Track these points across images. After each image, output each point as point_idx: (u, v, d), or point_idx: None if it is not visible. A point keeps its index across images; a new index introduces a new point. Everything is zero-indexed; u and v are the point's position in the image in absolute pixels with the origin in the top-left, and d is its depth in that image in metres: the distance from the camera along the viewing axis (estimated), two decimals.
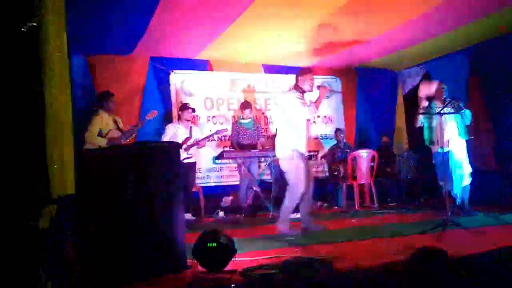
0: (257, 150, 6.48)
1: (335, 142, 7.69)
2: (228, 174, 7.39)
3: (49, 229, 2.33)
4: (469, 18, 5.77)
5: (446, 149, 5.29)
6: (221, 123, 7.44)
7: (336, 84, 8.26)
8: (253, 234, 4.57)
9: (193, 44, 6.56)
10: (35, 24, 2.75)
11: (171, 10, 5.15)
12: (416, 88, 8.12)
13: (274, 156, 6.35)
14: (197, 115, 7.20)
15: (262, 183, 6.65)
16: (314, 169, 7.38)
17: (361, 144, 7.97)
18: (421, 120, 5.51)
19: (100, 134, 5.34)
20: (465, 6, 5.34)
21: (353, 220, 5.41)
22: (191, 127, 6.36)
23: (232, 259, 2.82)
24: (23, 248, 2.20)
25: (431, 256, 2.31)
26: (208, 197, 6.82)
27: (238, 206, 6.45)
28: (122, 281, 2.58)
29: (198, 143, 6.26)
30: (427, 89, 5.48)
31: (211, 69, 7.53)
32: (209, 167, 7.31)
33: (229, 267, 2.80)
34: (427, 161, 5.95)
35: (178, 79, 7.29)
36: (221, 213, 6.55)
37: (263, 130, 7.31)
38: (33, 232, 2.24)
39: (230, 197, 7.10)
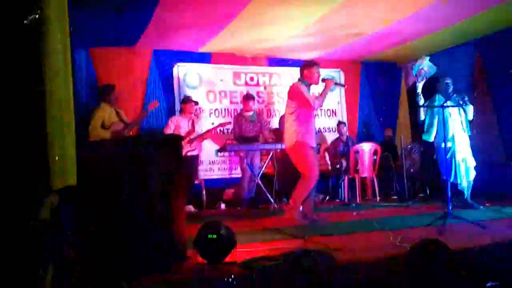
0: (260, 143, 6.49)
1: (338, 135, 7.68)
2: (230, 167, 7.40)
3: (49, 221, 2.34)
4: (474, 10, 5.72)
5: (450, 145, 5.27)
6: (224, 116, 7.44)
7: (340, 77, 8.24)
8: (254, 226, 4.58)
9: (197, 36, 6.55)
10: (37, 16, 2.75)
11: (174, 2, 5.14)
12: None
13: (276, 149, 6.39)
14: (200, 108, 7.20)
15: (264, 176, 6.66)
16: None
17: (363, 137, 7.97)
18: (426, 115, 5.46)
19: (103, 127, 5.35)
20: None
21: (354, 213, 5.41)
22: (193, 120, 6.37)
23: (233, 250, 2.83)
24: (22, 244, 2.21)
25: (431, 249, 2.32)
26: (210, 190, 6.86)
27: (240, 199, 6.48)
28: (123, 270, 2.60)
29: (201, 136, 6.26)
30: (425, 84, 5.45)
31: (214, 62, 7.53)
32: (211, 159, 7.33)
33: (229, 258, 2.81)
34: (430, 155, 5.95)
35: (181, 71, 7.29)
36: (223, 206, 6.58)
37: (266, 123, 7.31)
38: (33, 227, 2.25)
39: (232, 190, 7.13)
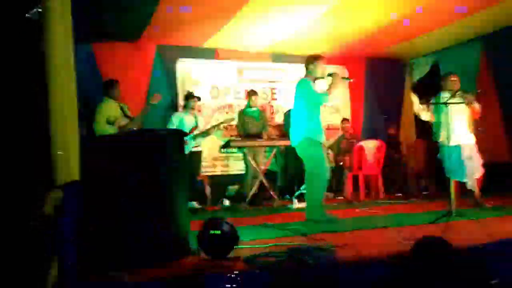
0: (263, 140, 6.47)
1: (342, 132, 7.66)
2: (233, 163, 7.40)
3: (53, 216, 2.34)
4: (481, 5, 5.67)
5: (455, 143, 5.23)
6: (227, 112, 7.43)
7: (344, 73, 8.21)
8: (257, 222, 4.58)
9: (200, 32, 6.54)
10: (39, 10, 2.74)
11: None
12: (425, 78, 8.09)
13: (280, 145, 6.38)
14: (202, 104, 7.19)
15: (268, 173, 6.66)
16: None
17: (367, 134, 7.94)
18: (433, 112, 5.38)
19: (108, 122, 5.35)
20: None
21: (357, 210, 5.40)
22: (197, 116, 6.36)
23: (236, 246, 2.83)
24: (27, 237, 2.21)
25: (433, 247, 2.31)
26: (213, 186, 6.86)
27: (243, 195, 6.47)
28: (123, 262, 2.60)
29: (206, 132, 6.26)
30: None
31: (218, 58, 7.51)
32: (215, 156, 7.32)
33: (232, 254, 2.81)
34: (435, 152, 5.91)
35: (184, 67, 7.27)
36: (226, 202, 6.57)
37: (269, 120, 7.30)
38: (33, 226, 2.25)
39: (236, 186, 7.13)
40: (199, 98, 6.50)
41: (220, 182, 7.19)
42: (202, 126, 6.37)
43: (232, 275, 2.43)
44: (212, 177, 7.06)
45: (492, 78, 6.83)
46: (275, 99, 7.87)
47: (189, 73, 7.31)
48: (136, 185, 2.92)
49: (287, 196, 6.62)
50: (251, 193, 6.25)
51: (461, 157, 5.21)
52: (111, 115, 5.37)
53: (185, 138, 5.42)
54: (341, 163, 7.20)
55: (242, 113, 6.83)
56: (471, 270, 2.40)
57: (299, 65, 7.81)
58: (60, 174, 2.58)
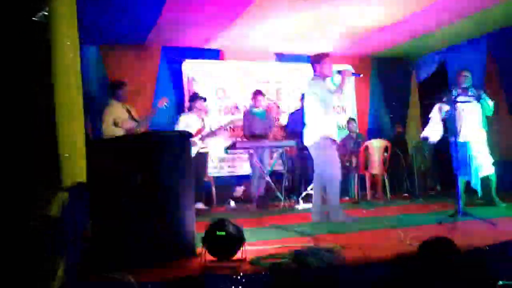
0: (269, 141, 6.47)
1: (348, 132, 7.64)
2: (240, 164, 7.40)
3: (60, 217, 2.36)
4: (487, 3, 5.63)
5: (464, 140, 5.20)
6: (233, 113, 7.44)
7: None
8: (264, 224, 4.58)
9: (205, 33, 6.56)
10: (46, 13, 2.76)
11: None
12: (431, 77, 8.05)
13: (286, 146, 6.37)
14: (207, 105, 7.19)
15: (274, 173, 6.65)
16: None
17: (374, 134, 7.91)
18: (443, 112, 5.34)
19: (115, 124, 5.37)
20: None
21: (364, 211, 5.38)
22: (203, 117, 6.37)
23: (241, 248, 2.83)
24: (32, 236, 2.23)
25: (439, 247, 2.29)
26: (219, 187, 6.87)
27: (250, 196, 6.47)
28: (129, 268, 2.61)
29: (213, 133, 6.27)
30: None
31: (223, 58, 7.52)
32: (221, 157, 7.34)
33: (238, 256, 2.81)
34: (442, 151, 5.87)
35: (190, 68, 7.29)
36: (232, 203, 6.58)
37: (275, 120, 7.30)
38: (42, 221, 2.27)
39: (242, 187, 7.13)
40: (204, 99, 6.51)
41: (226, 183, 7.20)
42: (208, 127, 6.38)
43: (238, 277, 2.44)
44: (218, 178, 7.06)
45: (499, 76, 6.77)
46: (281, 99, 7.85)
47: (194, 74, 7.32)
48: (141, 186, 2.94)
49: (294, 196, 6.61)
50: (257, 194, 6.25)
51: (468, 153, 5.18)
52: (117, 117, 5.39)
53: (192, 139, 5.44)
54: (347, 163, 7.18)
55: (247, 114, 6.83)
56: (476, 270, 2.38)
57: (305, 65, 7.86)
58: (67, 175, 2.60)
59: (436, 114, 5.37)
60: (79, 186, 2.61)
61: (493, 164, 5.29)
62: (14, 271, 2.18)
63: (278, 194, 6.17)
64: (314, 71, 4.66)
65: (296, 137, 6.41)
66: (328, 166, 4.50)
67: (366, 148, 6.79)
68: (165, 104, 5.72)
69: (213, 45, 7.19)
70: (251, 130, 6.63)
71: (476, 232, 3.65)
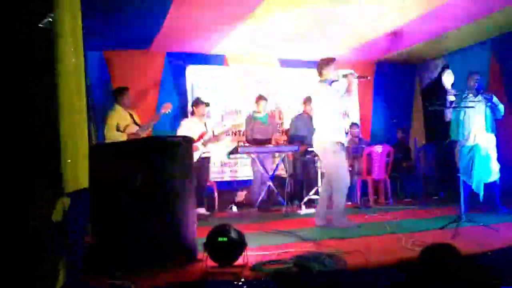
0: (271, 145, 6.48)
1: (350, 137, 7.63)
2: (242, 169, 7.40)
3: (61, 222, 2.37)
4: (492, 8, 5.62)
5: (471, 143, 5.18)
6: (236, 118, 7.45)
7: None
8: (266, 229, 4.58)
9: (209, 38, 6.58)
10: (51, 19, 2.78)
11: (187, 5, 5.16)
12: (435, 82, 8.05)
13: (288, 151, 6.37)
14: (210, 109, 7.22)
15: (276, 178, 6.65)
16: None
17: (377, 139, 7.91)
18: (453, 113, 5.32)
19: (118, 129, 5.40)
20: None
21: (366, 216, 5.37)
22: (205, 122, 6.39)
23: (243, 253, 2.84)
24: (32, 242, 2.24)
25: (441, 253, 2.29)
26: (222, 192, 6.87)
27: (252, 201, 6.47)
28: (130, 273, 2.62)
29: (216, 138, 6.28)
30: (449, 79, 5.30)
31: (227, 64, 7.55)
32: (223, 161, 7.34)
33: (240, 261, 2.81)
34: (445, 156, 5.86)
35: (194, 73, 7.32)
36: (234, 208, 6.58)
37: (277, 125, 7.30)
38: (44, 224, 2.28)
39: (244, 192, 7.14)
40: (207, 104, 6.53)
41: (229, 188, 7.21)
42: (211, 132, 6.39)
43: (239, 283, 2.44)
44: (220, 183, 7.07)
45: (502, 81, 6.76)
46: (283, 105, 7.86)
47: (198, 79, 7.34)
48: (143, 191, 2.95)
49: (296, 201, 6.60)
50: (259, 199, 6.25)
51: (474, 158, 5.17)
52: (120, 122, 5.42)
53: (194, 144, 5.45)
54: (350, 169, 7.17)
55: (250, 119, 6.85)
56: (478, 276, 2.38)
57: (307, 70, 7.89)
58: (69, 180, 2.61)
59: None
60: (81, 191, 2.62)
61: (499, 170, 5.27)
62: (14, 271, 2.19)
63: (280, 199, 6.16)
64: (321, 75, 4.67)
65: (299, 142, 6.42)
66: (336, 171, 4.51)
67: (369, 153, 6.79)
68: (169, 110, 5.75)
69: (216, 51, 7.22)
70: (254, 135, 6.64)
71: (478, 237, 3.65)
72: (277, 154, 6.89)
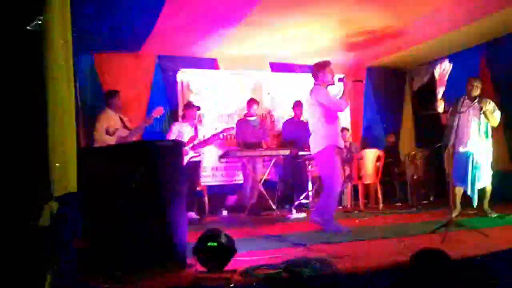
0: (262, 149, 6.47)
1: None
2: (233, 173, 7.38)
3: (50, 227, 2.34)
4: (480, 13, 5.68)
5: (466, 149, 5.22)
6: (227, 122, 7.43)
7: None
8: (256, 233, 4.56)
9: (201, 42, 6.56)
10: (40, 22, 2.76)
11: (178, 8, 5.15)
12: (425, 87, 8.10)
13: (279, 155, 6.37)
14: (202, 114, 7.20)
15: (267, 183, 6.65)
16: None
17: (367, 144, 7.94)
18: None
19: (107, 133, 5.36)
20: (475, 3, 5.27)
21: (357, 221, 5.38)
22: (196, 126, 6.36)
23: (233, 258, 2.82)
24: (23, 247, 2.21)
25: (431, 258, 2.29)
26: (212, 196, 6.84)
27: (242, 205, 6.45)
28: (121, 278, 2.60)
29: (205, 142, 6.25)
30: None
31: (218, 68, 7.53)
32: (214, 165, 7.32)
33: (229, 266, 2.79)
34: (435, 161, 5.90)
35: (185, 77, 7.29)
36: (225, 212, 6.56)
37: (268, 129, 7.30)
38: (33, 231, 2.25)
39: (235, 196, 7.12)
40: (198, 108, 6.51)
41: (219, 192, 7.18)
42: (202, 136, 6.37)
43: None
44: (210, 187, 7.04)
45: (493, 86, 6.82)
46: (275, 109, 7.87)
47: (189, 83, 7.32)
48: (132, 195, 2.92)
49: (286, 206, 6.60)
50: (250, 203, 6.23)
51: (469, 164, 5.20)
52: (110, 125, 5.38)
53: (185, 148, 5.43)
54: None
55: (241, 122, 6.84)
56: (469, 281, 2.39)
57: (299, 75, 7.92)
58: (57, 184, 2.57)
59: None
60: (70, 195, 2.59)
61: (491, 176, 5.30)
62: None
63: (271, 203, 6.15)
64: (316, 79, 4.67)
65: (290, 146, 6.43)
66: (328, 175, 4.51)
67: (360, 157, 6.81)
68: (161, 114, 5.73)
69: (208, 54, 7.20)
70: (245, 139, 6.63)
71: (469, 242, 3.66)
72: (268, 158, 6.88)
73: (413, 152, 7.34)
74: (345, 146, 7.47)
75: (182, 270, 2.88)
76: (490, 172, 5.28)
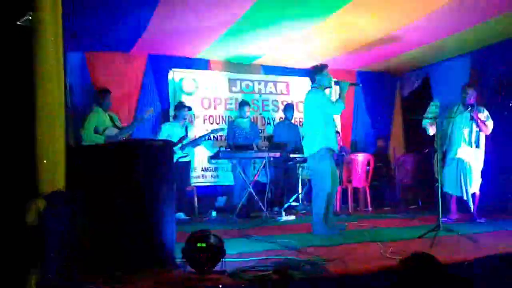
0: (253, 151, 6.46)
1: None
2: (223, 174, 7.36)
3: (36, 225, 2.31)
4: (473, 21, 5.73)
5: (456, 156, 5.25)
6: (218, 123, 7.41)
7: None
8: (245, 235, 4.54)
9: (193, 42, 6.54)
10: (30, 17, 2.73)
11: (171, 8, 5.12)
12: (415, 92, 8.17)
13: (269, 157, 6.36)
14: (193, 114, 7.17)
15: (257, 184, 6.63)
16: (308, 172, 7.38)
17: (357, 148, 7.97)
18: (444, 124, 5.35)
19: (96, 131, 5.31)
20: (467, 10, 5.31)
21: (346, 224, 5.38)
22: (187, 126, 6.34)
23: (222, 259, 2.80)
24: (9, 245, 2.18)
25: (421, 263, 2.30)
26: (202, 197, 6.82)
27: (232, 207, 6.43)
28: (109, 278, 2.56)
29: (193, 142, 6.23)
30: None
31: (210, 69, 7.51)
32: (204, 166, 7.29)
33: (218, 267, 2.77)
34: (424, 166, 5.93)
35: (176, 77, 7.26)
36: (214, 213, 6.52)
37: (259, 131, 7.29)
38: (19, 229, 2.22)
39: (224, 197, 7.10)
40: (189, 108, 6.49)
41: (209, 193, 7.15)
42: (192, 136, 6.34)
43: None
44: (200, 188, 7.01)
45: (480, 93, 6.89)
46: (266, 111, 7.87)
47: (181, 83, 7.28)
48: (121, 194, 2.90)
49: (276, 208, 6.59)
50: (239, 205, 6.21)
51: (460, 170, 5.23)
52: (99, 124, 5.35)
53: (174, 148, 5.39)
54: None
55: (232, 124, 6.82)
56: (458, 286, 2.40)
57: (291, 77, 7.94)
58: (45, 182, 2.54)
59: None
60: (58, 193, 2.56)
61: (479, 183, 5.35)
62: None
63: (261, 205, 6.14)
64: (313, 82, 4.68)
65: (280, 148, 6.42)
66: (319, 178, 4.52)
67: (349, 161, 6.83)
68: (151, 113, 5.70)
69: (201, 55, 7.18)
70: (236, 140, 6.61)
71: (457, 247, 3.68)
72: (258, 160, 6.87)
73: (402, 157, 7.39)
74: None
75: (170, 271, 2.86)
76: (480, 180, 5.33)
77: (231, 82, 7.65)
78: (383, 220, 5.82)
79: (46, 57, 2.70)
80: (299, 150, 6.96)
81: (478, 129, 5.28)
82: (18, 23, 2.77)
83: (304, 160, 6.70)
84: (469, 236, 3.94)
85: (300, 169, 6.83)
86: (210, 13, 5.33)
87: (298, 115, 7.82)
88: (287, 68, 7.93)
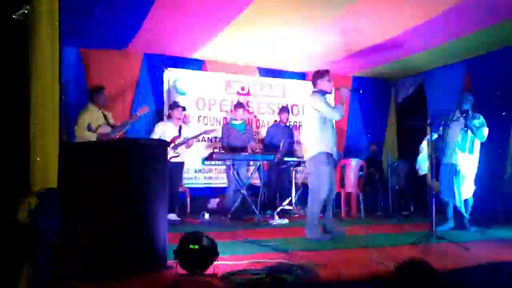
0: (247, 153, 6.44)
1: None
2: (216, 176, 7.33)
3: (28, 223, 2.27)
4: (466, 29, 5.77)
5: (449, 162, 5.27)
6: (212, 124, 7.38)
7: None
8: (238, 237, 4.52)
9: (189, 42, 6.52)
10: (26, 11, 2.69)
11: (168, 7, 5.10)
12: (410, 98, 8.20)
13: (263, 160, 6.34)
14: (187, 114, 7.13)
15: (250, 187, 6.61)
16: (301, 176, 7.38)
17: (350, 153, 7.97)
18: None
19: (89, 129, 5.26)
20: (463, 18, 5.34)
21: (338, 229, 5.37)
22: (180, 126, 6.30)
23: (214, 262, 2.77)
24: (0, 243, 2.14)
25: (417, 269, 2.29)
26: (194, 198, 6.78)
27: (225, 209, 6.40)
28: (100, 279, 2.53)
29: (186, 143, 6.20)
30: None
31: (206, 69, 7.49)
32: (197, 168, 7.25)
33: (210, 270, 2.75)
34: (417, 172, 5.92)
35: (171, 77, 7.22)
36: (207, 215, 6.48)
37: (254, 134, 7.28)
38: (11, 227, 2.18)
39: (217, 199, 7.06)
40: (184, 108, 6.45)
41: (202, 195, 7.12)
42: (185, 136, 6.30)
43: None
44: (193, 189, 6.97)
45: (475, 100, 6.91)
46: (261, 113, 7.85)
47: (176, 82, 7.23)
48: (112, 194, 2.86)
49: (269, 211, 6.56)
50: (232, 207, 6.18)
51: (452, 176, 5.24)
52: (93, 121, 5.29)
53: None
54: None
55: (227, 125, 6.80)
56: None
57: (286, 80, 7.93)
58: (37, 179, 2.51)
59: (425, 147, 5.46)
60: (50, 191, 2.52)
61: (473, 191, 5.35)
62: None
63: (254, 208, 6.11)
64: (315, 86, 4.71)
65: (274, 151, 6.41)
66: (315, 181, 4.52)
67: (343, 166, 6.82)
68: (146, 112, 5.66)
69: (197, 55, 7.15)
70: (229, 142, 6.59)
71: (448, 254, 3.69)
72: (252, 163, 6.85)
73: (395, 163, 7.40)
74: None
75: (162, 273, 2.83)
76: (473, 187, 5.34)
77: (227, 83, 7.63)
78: (375, 225, 5.82)
79: (41, 52, 2.67)
80: (291, 153, 6.97)
81: (473, 135, 5.30)
82: (14, 16, 2.74)
83: (298, 164, 6.70)
84: (461, 244, 3.94)
85: (294, 172, 6.82)
86: (207, 13, 5.31)
87: (293, 118, 7.81)
88: (283, 71, 7.93)
